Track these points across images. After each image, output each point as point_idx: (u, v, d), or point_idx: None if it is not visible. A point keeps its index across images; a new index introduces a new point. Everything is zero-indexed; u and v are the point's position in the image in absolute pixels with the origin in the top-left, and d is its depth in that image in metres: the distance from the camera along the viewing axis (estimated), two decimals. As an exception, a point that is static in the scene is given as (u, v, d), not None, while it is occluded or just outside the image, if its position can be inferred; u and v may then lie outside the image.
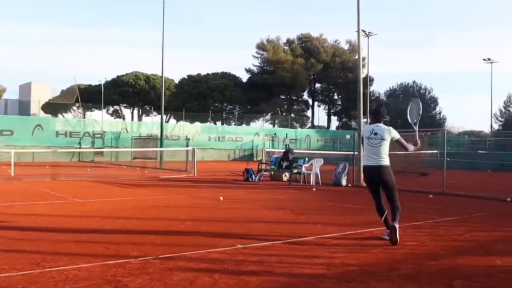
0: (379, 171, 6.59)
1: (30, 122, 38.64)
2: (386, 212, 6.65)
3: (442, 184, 14.00)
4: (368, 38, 39.08)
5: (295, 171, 16.88)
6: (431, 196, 12.99)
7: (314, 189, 14.62)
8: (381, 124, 6.72)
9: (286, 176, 17.87)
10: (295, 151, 19.74)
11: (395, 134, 6.71)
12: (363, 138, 6.78)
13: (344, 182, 16.06)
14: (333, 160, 22.64)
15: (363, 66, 65.98)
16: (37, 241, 6.31)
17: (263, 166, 18.18)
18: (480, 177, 22.86)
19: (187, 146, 24.39)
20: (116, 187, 14.80)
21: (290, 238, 6.78)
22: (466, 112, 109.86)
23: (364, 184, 16.28)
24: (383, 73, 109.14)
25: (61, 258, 5.36)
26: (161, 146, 27.25)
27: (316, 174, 16.36)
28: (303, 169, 16.67)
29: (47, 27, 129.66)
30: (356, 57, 66.03)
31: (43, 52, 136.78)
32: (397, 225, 6.34)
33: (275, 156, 19.22)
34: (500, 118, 62.34)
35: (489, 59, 50.03)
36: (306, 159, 17.30)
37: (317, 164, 16.59)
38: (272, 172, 18.20)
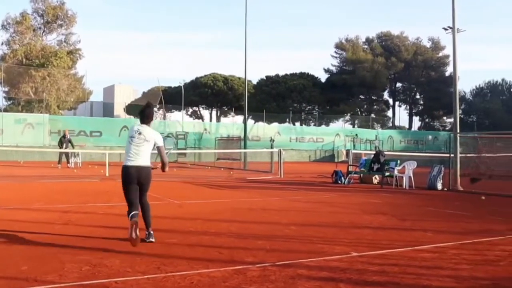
0: (139, 172, 6.59)
1: (117, 123, 39.85)
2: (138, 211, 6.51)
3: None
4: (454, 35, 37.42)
5: (387, 174, 16.36)
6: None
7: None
8: (147, 126, 6.70)
9: (376, 178, 17.41)
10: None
11: (159, 141, 6.72)
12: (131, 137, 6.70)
13: (439, 186, 15.39)
14: (421, 162, 21.81)
15: (447, 64, 63.70)
16: (151, 244, 6.33)
17: (353, 168, 17.77)
18: None
19: (271, 147, 24.41)
20: (206, 189, 14.94)
21: (403, 247, 6.47)
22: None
23: (461, 188, 15.60)
24: (468, 71, 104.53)
25: (180, 262, 5.37)
26: (245, 147, 27.32)
27: (410, 177, 15.78)
28: (395, 172, 16.14)
29: (129, 32, 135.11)
30: (440, 54, 63.93)
31: (125, 56, 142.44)
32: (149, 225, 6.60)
33: (364, 158, 18.74)
34: None
35: None
36: (398, 161, 16.73)
37: (410, 167, 16.00)
38: (362, 175, 17.77)
